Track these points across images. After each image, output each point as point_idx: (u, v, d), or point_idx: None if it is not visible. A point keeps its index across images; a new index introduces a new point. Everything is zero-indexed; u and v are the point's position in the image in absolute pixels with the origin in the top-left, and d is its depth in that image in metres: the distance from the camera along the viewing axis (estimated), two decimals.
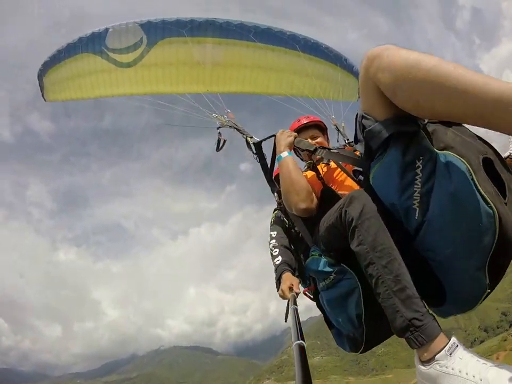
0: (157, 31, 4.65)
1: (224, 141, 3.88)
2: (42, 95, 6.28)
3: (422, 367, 1.34)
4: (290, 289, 2.24)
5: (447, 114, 1.18)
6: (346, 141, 3.73)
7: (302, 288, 2.41)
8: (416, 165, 1.36)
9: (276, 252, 2.56)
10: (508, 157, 1.95)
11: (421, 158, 1.36)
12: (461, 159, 1.31)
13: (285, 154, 2.32)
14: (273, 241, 2.68)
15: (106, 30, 5.04)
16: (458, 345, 1.30)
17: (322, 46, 5.13)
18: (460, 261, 1.37)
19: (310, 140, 2.74)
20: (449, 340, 1.32)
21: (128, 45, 4.81)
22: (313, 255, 2.09)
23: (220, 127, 3.93)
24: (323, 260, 1.99)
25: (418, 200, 1.38)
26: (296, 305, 1.91)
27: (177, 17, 4.62)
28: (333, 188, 2.31)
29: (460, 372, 1.22)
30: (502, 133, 1.08)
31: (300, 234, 2.42)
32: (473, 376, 1.19)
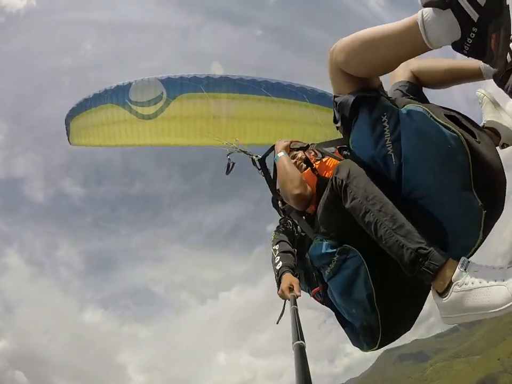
0: (176, 86, 5.05)
1: (233, 164, 4.15)
2: (68, 139, 6.74)
3: (443, 299, 1.35)
4: (290, 289, 2.21)
5: (386, 60, 1.55)
6: None
7: (300, 292, 2.33)
8: (382, 119, 1.60)
9: (277, 259, 2.60)
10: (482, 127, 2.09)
11: (385, 113, 1.61)
12: (420, 105, 1.56)
13: (280, 154, 2.66)
14: (275, 253, 2.70)
15: (130, 84, 5.49)
16: (469, 260, 1.33)
17: (329, 95, 5.44)
18: (444, 185, 1.48)
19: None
20: (459, 259, 1.34)
21: (149, 98, 5.22)
22: (314, 242, 2.15)
23: (229, 153, 4.21)
24: (325, 243, 2.04)
25: (391, 146, 1.57)
26: (296, 305, 1.87)
27: (195, 74, 5.04)
28: (326, 176, 2.40)
29: (480, 283, 1.24)
30: (421, 53, 1.44)
31: (303, 233, 2.54)
32: (495, 281, 1.21)
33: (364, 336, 2.00)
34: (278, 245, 2.75)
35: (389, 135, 1.58)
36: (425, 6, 1.26)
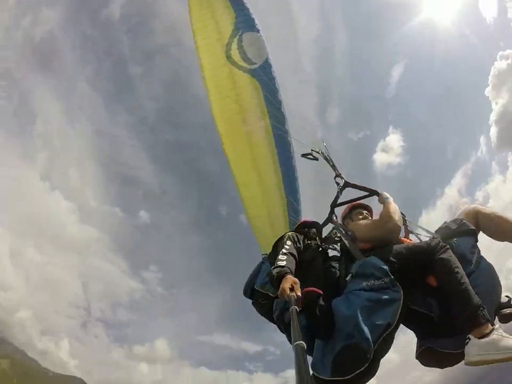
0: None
1: (315, 159, 4.10)
2: None
3: (484, 339, 2.19)
4: (290, 289, 2.28)
5: (508, 235, 2.81)
6: None
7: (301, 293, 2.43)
8: (476, 248, 2.79)
9: (283, 258, 2.68)
10: None
11: (475, 245, 2.80)
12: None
13: (390, 198, 3.27)
14: (284, 250, 2.78)
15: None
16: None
17: None
18: (491, 292, 2.55)
19: (358, 216, 3.50)
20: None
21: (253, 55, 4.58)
22: (371, 256, 2.69)
23: (312, 150, 4.13)
24: (384, 263, 2.56)
25: (475, 260, 2.68)
26: (296, 305, 1.92)
27: None
28: None
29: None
30: None
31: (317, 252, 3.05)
32: None
33: (343, 356, 2.27)
34: (289, 241, 2.90)
35: (475, 256, 2.71)
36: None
